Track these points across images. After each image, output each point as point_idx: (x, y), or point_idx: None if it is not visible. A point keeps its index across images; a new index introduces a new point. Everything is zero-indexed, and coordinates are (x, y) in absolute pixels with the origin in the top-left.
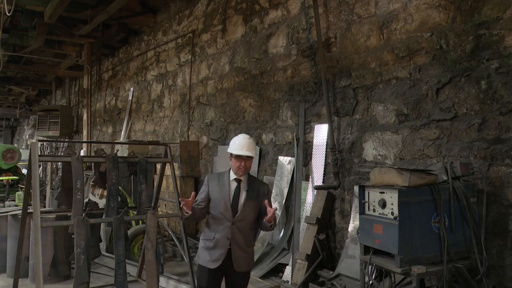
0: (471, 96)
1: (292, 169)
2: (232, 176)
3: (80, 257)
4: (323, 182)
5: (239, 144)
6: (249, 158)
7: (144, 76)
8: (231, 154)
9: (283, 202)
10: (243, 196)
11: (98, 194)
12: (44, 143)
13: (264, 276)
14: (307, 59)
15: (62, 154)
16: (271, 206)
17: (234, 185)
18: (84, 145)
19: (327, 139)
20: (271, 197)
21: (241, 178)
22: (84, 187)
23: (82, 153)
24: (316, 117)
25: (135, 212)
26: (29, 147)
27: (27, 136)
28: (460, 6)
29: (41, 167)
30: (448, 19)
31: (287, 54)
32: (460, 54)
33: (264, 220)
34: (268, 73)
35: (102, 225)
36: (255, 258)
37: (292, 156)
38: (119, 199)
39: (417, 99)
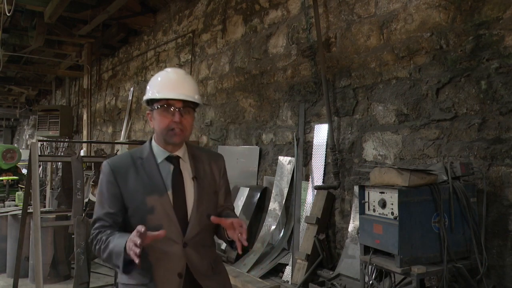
0: (471, 96)
1: (292, 169)
2: (161, 153)
3: (80, 257)
4: (323, 182)
5: (169, 82)
6: (189, 108)
7: (144, 76)
8: (151, 103)
9: (283, 202)
10: (190, 187)
11: None
12: (44, 143)
13: (264, 276)
14: (307, 59)
15: (62, 154)
16: (231, 209)
17: (168, 169)
18: (84, 145)
19: (327, 139)
20: (271, 197)
21: (178, 153)
22: (84, 187)
23: (82, 153)
24: (316, 117)
25: None
26: (29, 147)
27: (27, 136)
28: (460, 6)
29: (41, 167)
30: (448, 19)
31: (287, 54)
32: (460, 54)
33: (226, 233)
34: (268, 73)
35: None
36: (255, 258)
37: (292, 156)
38: None
39: (417, 99)
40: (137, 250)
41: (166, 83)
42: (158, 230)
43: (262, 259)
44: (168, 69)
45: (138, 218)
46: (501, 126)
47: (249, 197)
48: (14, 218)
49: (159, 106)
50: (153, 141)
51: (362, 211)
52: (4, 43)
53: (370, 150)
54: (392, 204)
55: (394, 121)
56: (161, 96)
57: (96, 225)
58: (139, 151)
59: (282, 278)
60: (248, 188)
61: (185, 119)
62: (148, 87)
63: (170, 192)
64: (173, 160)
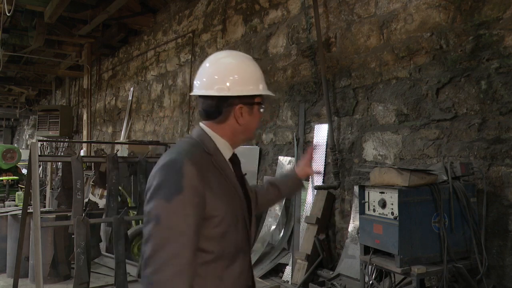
0: (471, 96)
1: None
2: (228, 150)
3: (80, 257)
4: (323, 182)
5: (262, 77)
6: None
7: (144, 76)
8: (245, 98)
9: (283, 202)
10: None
11: (98, 194)
12: (44, 143)
13: (264, 276)
14: (307, 59)
15: (62, 154)
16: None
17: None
18: (84, 145)
19: (327, 139)
20: None
21: (236, 151)
22: (84, 187)
23: (82, 153)
24: (316, 117)
25: (135, 212)
26: (29, 147)
27: (27, 136)
28: (460, 6)
29: (41, 167)
30: (448, 19)
31: (287, 54)
32: (460, 54)
33: (296, 173)
34: (268, 73)
35: (102, 225)
36: (255, 258)
37: (292, 156)
38: (119, 199)
39: (417, 99)
40: None
41: (261, 77)
42: (241, 242)
43: (262, 259)
44: (249, 57)
45: (223, 229)
46: (501, 126)
47: None
48: (14, 218)
49: (261, 104)
50: (215, 134)
51: (362, 211)
52: (4, 43)
53: (370, 150)
54: (392, 204)
55: (394, 121)
56: (266, 93)
57: (171, 270)
58: (199, 144)
59: (282, 278)
60: None
61: None
62: (244, 77)
63: (242, 195)
64: (233, 158)
